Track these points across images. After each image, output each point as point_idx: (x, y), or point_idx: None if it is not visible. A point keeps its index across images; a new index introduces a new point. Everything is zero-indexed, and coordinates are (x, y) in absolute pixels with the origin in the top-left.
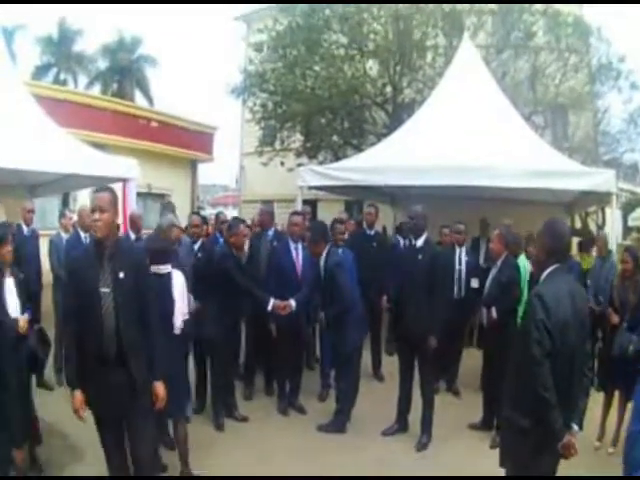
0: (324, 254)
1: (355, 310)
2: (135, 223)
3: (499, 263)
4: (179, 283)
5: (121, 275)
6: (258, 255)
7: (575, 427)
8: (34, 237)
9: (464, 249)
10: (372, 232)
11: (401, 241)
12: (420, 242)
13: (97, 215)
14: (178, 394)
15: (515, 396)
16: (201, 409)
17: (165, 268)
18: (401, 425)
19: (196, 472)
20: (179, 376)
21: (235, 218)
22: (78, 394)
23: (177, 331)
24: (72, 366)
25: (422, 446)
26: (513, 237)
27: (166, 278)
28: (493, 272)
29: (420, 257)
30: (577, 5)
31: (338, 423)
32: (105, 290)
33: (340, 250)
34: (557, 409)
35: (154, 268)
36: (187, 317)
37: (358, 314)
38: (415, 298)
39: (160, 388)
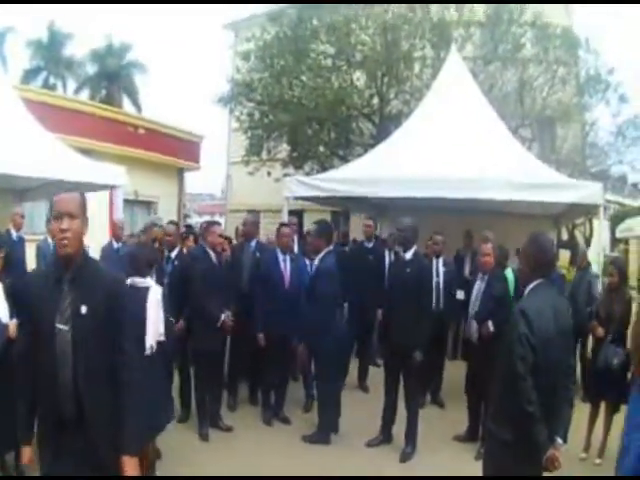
0: (321, 254)
1: (335, 320)
2: (116, 232)
3: (486, 276)
4: (154, 300)
5: (83, 310)
6: (240, 266)
7: (559, 440)
8: (21, 242)
9: (441, 260)
10: (370, 244)
11: (386, 254)
12: (409, 255)
13: (66, 224)
14: (150, 413)
15: (498, 409)
16: (186, 418)
17: (143, 282)
18: (385, 436)
19: None
20: (152, 395)
21: (211, 221)
22: (27, 451)
23: (147, 352)
24: (21, 415)
25: (406, 457)
26: (500, 249)
27: (143, 293)
28: (480, 285)
29: (408, 270)
30: (566, 14)
31: (322, 434)
32: (62, 327)
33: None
34: (541, 423)
35: (131, 280)
36: (162, 338)
37: (339, 325)
38: (402, 311)
39: (130, 465)
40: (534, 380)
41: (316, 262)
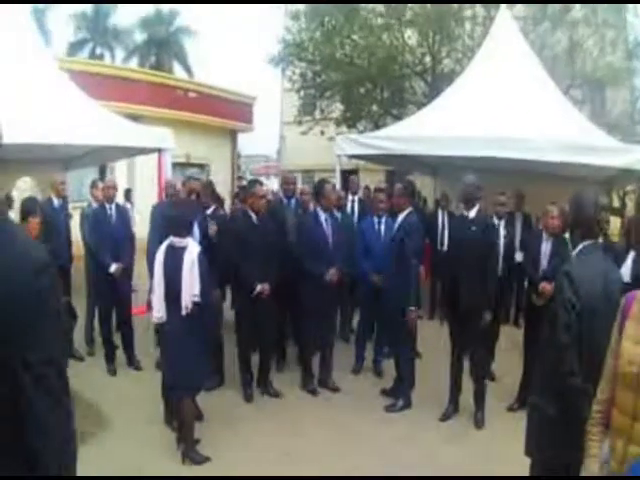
0: (405, 212)
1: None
2: (168, 191)
3: (552, 238)
4: (189, 260)
5: None
6: (285, 224)
7: None
8: (63, 210)
9: (503, 222)
10: None
11: (439, 213)
12: (473, 213)
13: None
14: (184, 374)
15: (543, 382)
16: (219, 384)
17: (180, 242)
18: (455, 407)
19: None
20: (186, 356)
21: (252, 180)
22: None
23: (184, 311)
24: None
25: (479, 422)
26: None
27: (180, 253)
28: (546, 247)
29: (473, 229)
30: None
31: (405, 399)
32: None
33: (383, 219)
34: (586, 397)
35: (169, 240)
36: (197, 299)
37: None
38: (469, 272)
39: None
40: (579, 350)
41: (399, 220)
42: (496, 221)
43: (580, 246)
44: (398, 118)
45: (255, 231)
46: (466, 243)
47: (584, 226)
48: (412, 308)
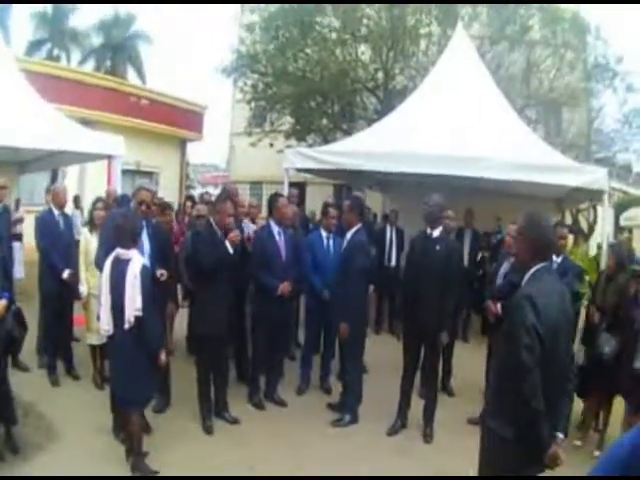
0: (353, 229)
1: (367, 296)
2: (107, 201)
3: (512, 258)
4: (131, 274)
5: None
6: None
7: (560, 435)
8: (5, 213)
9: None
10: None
11: (388, 229)
12: (437, 232)
13: None
14: (131, 387)
15: (498, 404)
16: (165, 405)
17: (126, 254)
18: (403, 421)
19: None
20: (132, 369)
21: (220, 196)
22: None
23: (126, 325)
24: None
25: (428, 438)
26: None
27: (124, 266)
28: (507, 266)
29: (438, 248)
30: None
31: (352, 416)
32: None
33: (331, 235)
34: (545, 419)
35: (115, 252)
36: (139, 313)
37: (365, 299)
38: (430, 291)
39: None
40: (539, 372)
41: (348, 237)
42: None
43: (534, 269)
44: (348, 133)
45: (227, 253)
46: (429, 262)
47: (546, 251)
48: (344, 324)
